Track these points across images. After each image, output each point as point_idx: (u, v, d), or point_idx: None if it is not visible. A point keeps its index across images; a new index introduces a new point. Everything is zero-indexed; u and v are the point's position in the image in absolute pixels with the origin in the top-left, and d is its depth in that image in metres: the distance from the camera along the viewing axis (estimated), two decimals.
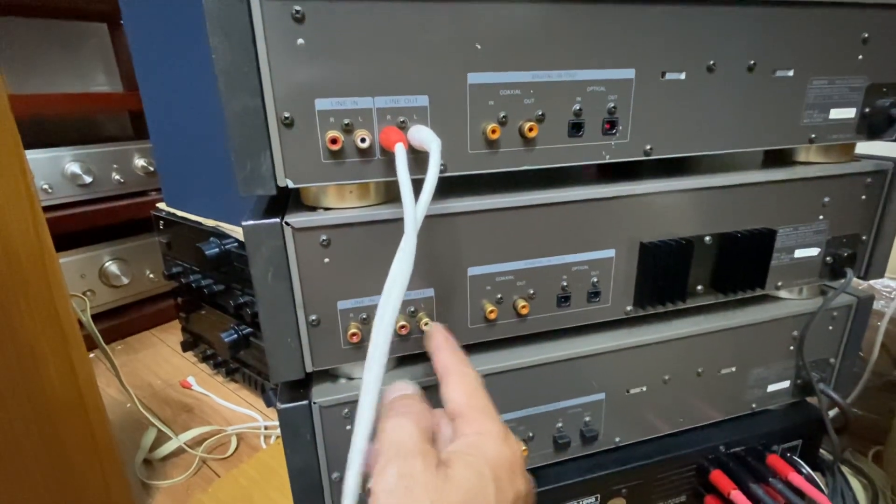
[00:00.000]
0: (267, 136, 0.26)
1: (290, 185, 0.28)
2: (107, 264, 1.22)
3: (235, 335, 0.86)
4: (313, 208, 0.31)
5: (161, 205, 1.00)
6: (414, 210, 0.23)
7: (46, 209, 1.13)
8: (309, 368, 0.31)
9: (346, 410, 0.33)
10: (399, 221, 0.29)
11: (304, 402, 0.32)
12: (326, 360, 0.32)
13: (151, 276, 1.29)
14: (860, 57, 0.37)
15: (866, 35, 0.36)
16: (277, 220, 0.28)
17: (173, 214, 0.94)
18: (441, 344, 0.29)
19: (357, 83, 0.27)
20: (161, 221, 0.98)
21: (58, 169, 1.12)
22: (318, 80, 0.27)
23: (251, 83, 0.25)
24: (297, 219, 0.28)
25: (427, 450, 0.23)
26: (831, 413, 0.48)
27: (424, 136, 0.27)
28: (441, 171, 0.30)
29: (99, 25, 1.39)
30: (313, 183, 0.28)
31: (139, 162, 1.24)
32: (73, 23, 1.34)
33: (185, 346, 1.09)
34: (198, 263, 0.90)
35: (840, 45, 0.36)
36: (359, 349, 0.32)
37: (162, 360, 1.15)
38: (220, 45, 0.24)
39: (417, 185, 0.26)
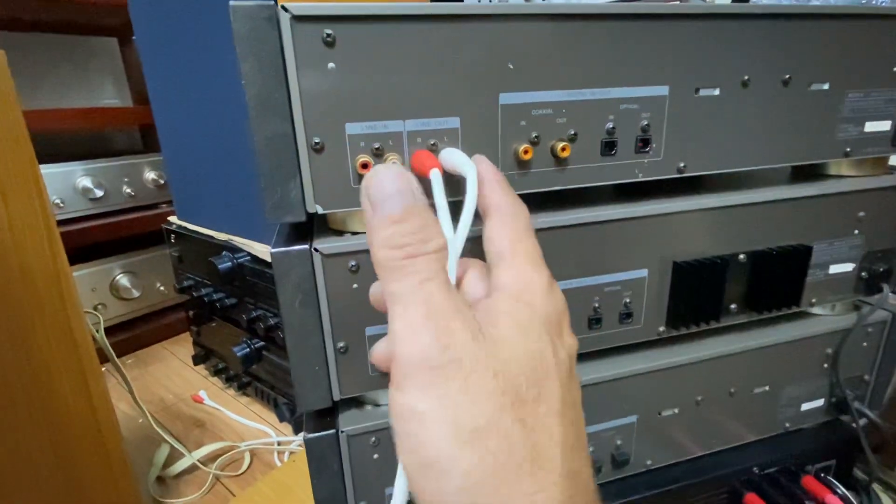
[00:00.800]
0: (297, 162, 0.26)
1: (320, 210, 0.27)
2: (118, 277, 1.22)
3: (248, 349, 0.85)
4: (340, 232, 0.30)
5: (172, 218, 1.00)
6: (454, 242, 0.22)
7: (58, 224, 1.13)
8: (336, 396, 0.31)
9: (374, 439, 0.32)
10: None
11: (332, 431, 0.31)
12: (354, 387, 0.31)
13: (162, 288, 1.29)
14: (895, 69, 0.36)
15: None
16: (306, 246, 0.27)
17: (185, 228, 0.94)
18: (488, 175, 0.23)
19: (387, 106, 0.27)
20: (172, 235, 0.98)
21: (69, 183, 1.12)
22: (349, 105, 0.26)
23: (281, 108, 0.25)
24: (325, 245, 0.28)
25: (463, 308, 0.18)
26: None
27: (459, 161, 0.26)
28: None
29: (109, 40, 1.40)
30: (343, 209, 0.28)
31: (149, 175, 1.24)
32: (82, 38, 1.35)
33: (197, 360, 1.09)
34: (209, 277, 0.90)
35: (875, 58, 0.35)
36: (386, 376, 0.31)
37: (173, 374, 1.15)
38: (250, 70, 0.24)
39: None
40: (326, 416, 0.33)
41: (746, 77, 0.32)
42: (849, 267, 0.40)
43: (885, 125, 0.37)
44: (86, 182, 1.14)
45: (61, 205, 1.11)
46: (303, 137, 0.26)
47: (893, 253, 0.41)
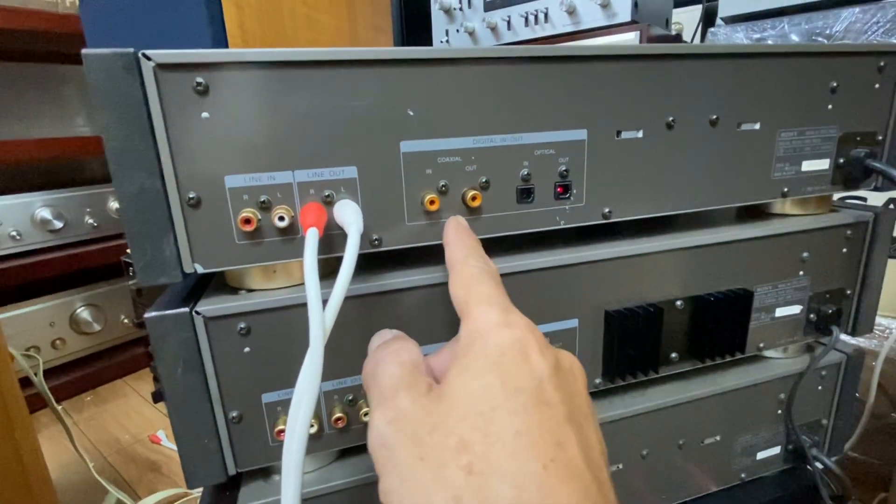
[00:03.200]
0: (169, 218, 0.24)
1: (200, 270, 0.25)
2: (78, 311, 1.18)
3: None
4: (236, 289, 0.28)
5: None
6: (321, 317, 0.20)
7: (15, 256, 1.10)
8: (232, 471, 0.28)
9: None
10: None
11: None
12: (252, 459, 0.28)
13: (126, 321, 1.25)
14: (830, 106, 0.35)
15: (835, 84, 0.34)
16: (186, 309, 0.25)
17: None
18: (449, 238, 0.25)
19: (273, 156, 0.24)
20: (131, 267, 0.95)
21: (27, 215, 1.09)
22: (228, 156, 0.24)
23: (148, 162, 0.23)
24: (209, 307, 0.25)
25: (413, 381, 0.19)
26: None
27: (346, 217, 0.24)
28: (375, 246, 0.27)
29: (80, 68, 1.38)
30: (227, 267, 0.25)
31: (114, 205, 1.21)
32: (54, 66, 1.34)
33: (157, 397, 1.04)
34: None
35: (808, 96, 0.34)
36: None
37: (132, 412, 1.10)
38: (109, 122, 0.22)
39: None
40: (226, 490, 0.30)
41: (671, 118, 0.31)
42: (796, 309, 0.38)
43: (823, 164, 0.36)
44: (44, 213, 1.11)
45: (18, 237, 1.07)
46: (175, 193, 0.23)
47: (842, 293, 0.39)
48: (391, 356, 0.21)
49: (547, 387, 0.18)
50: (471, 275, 0.22)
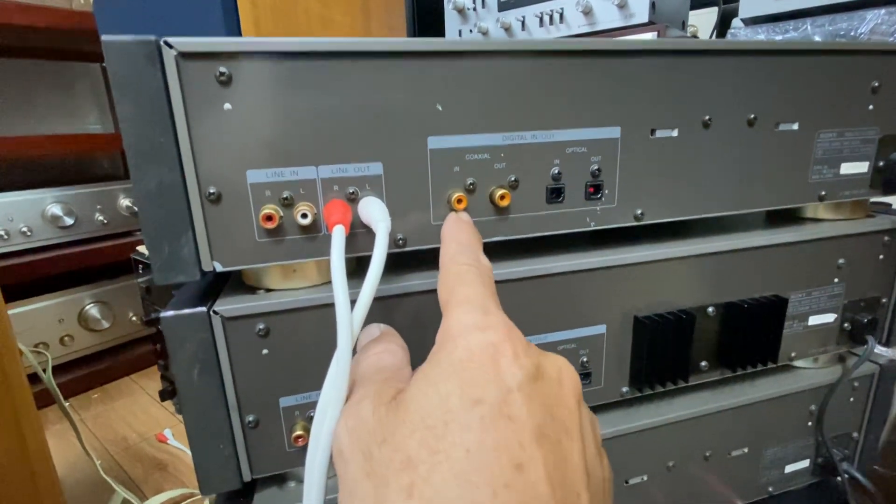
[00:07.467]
0: (188, 214, 0.23)
1: (219, 268, 0.24)
2: (87, 308, 1.18)
3: None
4: (254, 289, 0.27)
5: (141, 248, 0.97)
6: (350, 320, 0.19)
7: (25, 252, 1.10)
8: (247, 477, 0.27)
9: None
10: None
11: None
12: (268, 465, 0.27)
13: (134, 318, 1.25)
14: (871, 107, 0.33)
15: (876, 83, 0.33)
16: (203, 308, 0.24)
17: None
18: (444, 234, 0.23)
19: (297, 151, 0.23)
20: (140, 265, 0.95)
21: (38, 211, 1.09)
22: (251, 149, 0.23)
23: (168, 155, 0.22)
24: (228, 306, 0.24)
25: (382, 388, 0.18)
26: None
27: (373, 214, 0.23)
28: (400, 246, 0.26)
29: (92, 66, 1.38)
30: (246, 265, 0.24)
31: (124, 202, 1.21)
32: (67, 63, 1.34)
33: (164, 396, 1.03)
34: None
35: (848, 95, 0.33)
36: (302, 452, 0.27)
37: (139, 411, 1.09)
38: (128, 114, 0.21)
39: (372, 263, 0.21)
40: (240, 496, 0.29)
41: (707, 117, 0.30)
42: (830, 318, 0.37)
43: (862, 166, 0.34)
44: (55, 209, 1.11)
45: (28, 233, 1.07)
46: (195, 187, 0.22)
47: (878, 302, 0.38)
48: (372, 358, 0.20)
49: (515, 398, 0.16)
50: (456, 273, 0.20)
